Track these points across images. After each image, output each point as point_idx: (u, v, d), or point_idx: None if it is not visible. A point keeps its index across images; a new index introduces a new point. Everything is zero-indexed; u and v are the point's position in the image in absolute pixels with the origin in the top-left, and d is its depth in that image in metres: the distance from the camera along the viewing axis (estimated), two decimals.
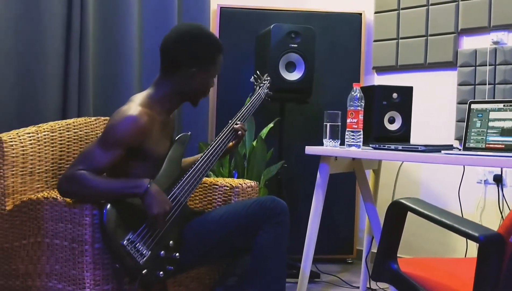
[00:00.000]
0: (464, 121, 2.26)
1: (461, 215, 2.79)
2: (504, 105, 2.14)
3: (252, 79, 2.32)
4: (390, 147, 2.17)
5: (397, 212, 1.31)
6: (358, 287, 2.83)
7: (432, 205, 1.24)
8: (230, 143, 2.01)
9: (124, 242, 1.64)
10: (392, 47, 3.22)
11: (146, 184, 1.68)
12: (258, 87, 2.23)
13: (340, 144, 2.33)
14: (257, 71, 2.36)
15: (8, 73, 2.26)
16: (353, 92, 2.28)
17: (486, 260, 1.05)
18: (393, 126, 2.57)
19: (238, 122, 2.01)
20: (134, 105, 1.78)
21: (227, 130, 1.99)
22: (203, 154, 1.92)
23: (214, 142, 1.96)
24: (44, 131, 1.98)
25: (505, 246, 1.04)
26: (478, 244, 1.08)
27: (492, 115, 2.16)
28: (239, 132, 2.00)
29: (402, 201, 1.27)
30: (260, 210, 1.82)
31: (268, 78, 2.30)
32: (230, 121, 2.02)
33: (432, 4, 3.05)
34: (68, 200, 1.69)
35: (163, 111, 1.88)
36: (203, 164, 1.90)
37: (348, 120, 2.27)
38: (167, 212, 1.72)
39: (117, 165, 1.77)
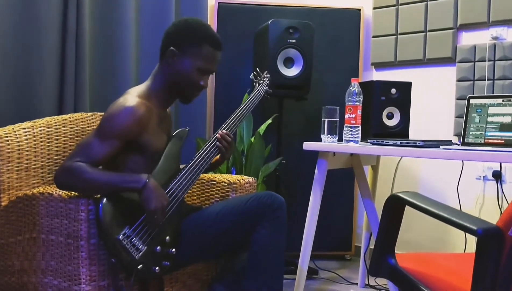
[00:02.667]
0: (463, 117, 2.24)
1: None
2: (503, 100, 2.12)
3: (251, 76, 2.31)
4: (388, 142, 2.16)
5: (395, 206, 1.29)
6: (356, 284, 2.82)
7: (430, 198, 1.23)
8: (214, 159, 1.96)
9: (120, 237, 1.62)
10: (390, 43, 3.21)
11: (144, 179, 1.66)
12: (257, 84, 2.22)
13: (338, 140, 2.32)
14: (257, 68, 2.35)
15: (4, 68, 2.25)
16: (351, 88, 2.26)
17: (485, 254, 1.04)
18: (392, 122, 2.56)
19: (224, 131, 1.93)
20: (131, 97, 1.77)
21: (228, 125, 1.97)
22: (202, 149, 1.91)
23: (213, 137, 1.94)
24: (40, 127, 1.97)
25: (504, 240, 1.02)
26: (476, 238, 1.06)
27: (491, 110, 2.15)
28: (221, 144, 1.92)
29: (400, 194, 1.26)
30: (257, 205, 1.80)
31: (268, 75, 2.29)
32: (232, 115, 2.00)
33: (430, 0, 3.04)
34: (63, 195, 1.68)
35: (159, 103, 1.86)
36: (201, 159, 1.88)
37: (346, 116, 2.26)
38: (165, 207, 1.70)
39: (114, 158, 1.75)
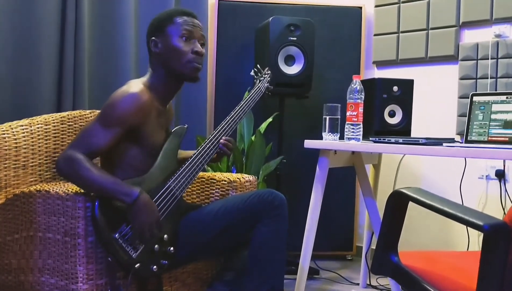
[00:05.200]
0: (466, 116, 2.22)
1: None
2: (507, 98, 2.10)
3: (252, 72, 2.28)
4: (390, 140, 2.13)
5: (398, 202, 1.27)
6: (358, 284, 2.79)
7: (434, 194, 1.20)
8: (214, 156, 1.93)
9: (116, 235, 1.60)
10: (392, 41, 3.18)
11: (136, 194, 1.61)
12: (258, 81, 2.19)
13: (340, 138, 2.29)
14: (257, 65, 2.32)
15: (1, 65, 2.22)
16: (353, 85, 2.24)
17: (491, 250, 1.01)
18: (394, 120, 2.53)
19: (223, 138, 1.92)
20: (135, 84, 1.75)
21: (227, 122, 1.94)
22: (201, 146, 1.88)
23: (212, 135, 1.92)
24: (38, 124, 1.95)
25: (511, 236, 0.99)
26: (482, 235, 1.04)
27: (495, 107, 2.12)
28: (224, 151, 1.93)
29: (403, 190, 1.23)
30: (258, 202, 1.78)
31: (269, 72, 2.26)
32: (232, 112, 1.98)
33: None
34: (60, 192, 1.65)
35: (158, 97, 1.83)
36: (200, 156, 1.85)
37: (348, 113, 2.23)
38: (153, 224, 1.65)
39: (112, 153, 1.73)
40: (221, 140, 1.91)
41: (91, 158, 1.67)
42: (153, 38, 1.82)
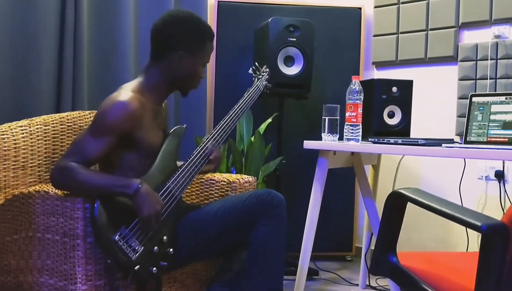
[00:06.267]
0: (465, 117, 2.22)
1: None
2: (506, 98, 2.10)
3: (250, 70, 2.28)
4: (389, 140, 2.13)
5: (396, 203, 1.27)
6: (357, 285, 2.79)
7: (432, 195, 1.20)
8: (206, 167, 1.94)
9: (116, 237, 1.59)
10: (392, 42, 3.18)
11: (136, 184, 1.62)
12: (256, 79, 2.20)
13: (339, 139, 2.30)
14: (256, 63, 2.32)
15: (1, 66, 2.22)
16: (352, 85, 2.24)
17: (489, 251, 1.01)
18: (393, 121, 2.53)
19: (211, 147, 1.90)
20: (124, 91, 1.75)
21: (226, 121, 1.95)
22: (200, 146, 1.88)
23: (211, 134, 1.92)
24: (37, 125, 1.95)
25: (509, 236, 0.99)
26: (480, 235, 1.04)
27: (494, 108, 2.12)
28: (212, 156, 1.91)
29: (402, 191, 1.23)
30: (256, 203, 1.78)
31: (267, 70, 2.27)
32: (230, 111, 1.98)
33: None
34: (59, 193, 1.65)
35: (154, 99, 1.84)
36: (199, 157, 1.85)
37: (347, 114, 2.23)
38: (159, 212, 1.67)
39: (109, 156, 1.73)
40: (211, 157, 1.90)
41: (86, 166, 1.67)
42: (182, 52, 1.81)
